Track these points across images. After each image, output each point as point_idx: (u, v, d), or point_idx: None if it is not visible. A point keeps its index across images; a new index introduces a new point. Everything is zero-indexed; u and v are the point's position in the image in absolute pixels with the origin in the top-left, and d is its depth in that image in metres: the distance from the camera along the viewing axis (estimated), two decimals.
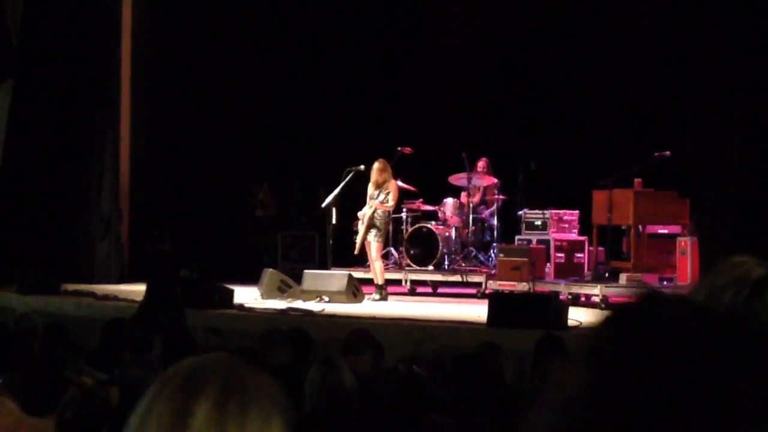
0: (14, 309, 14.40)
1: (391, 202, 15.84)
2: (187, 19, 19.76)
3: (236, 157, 20.19)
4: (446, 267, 17.23)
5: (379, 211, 15.76)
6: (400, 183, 16.32)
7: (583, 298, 15.27)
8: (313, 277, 15.66)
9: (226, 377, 2.01)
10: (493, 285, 16.09)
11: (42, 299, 15.16)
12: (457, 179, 17.69)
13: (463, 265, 17.19)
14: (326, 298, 15.03)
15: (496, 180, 17.84)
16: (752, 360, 1.23)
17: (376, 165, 15.81)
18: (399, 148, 16.78)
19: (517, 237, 17.31)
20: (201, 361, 2.06)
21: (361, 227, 15.85)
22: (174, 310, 10.82)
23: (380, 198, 15.71)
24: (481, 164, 17.80)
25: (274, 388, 2.05)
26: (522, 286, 15.50)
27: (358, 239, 15.88)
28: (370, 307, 14.97)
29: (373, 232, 15.76)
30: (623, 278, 15.10)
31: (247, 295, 15.21)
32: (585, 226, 16.77)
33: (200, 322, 11.32)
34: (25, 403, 6.23)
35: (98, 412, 5.52)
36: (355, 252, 16.11)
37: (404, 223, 17.69)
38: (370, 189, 15.85)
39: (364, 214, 15.84)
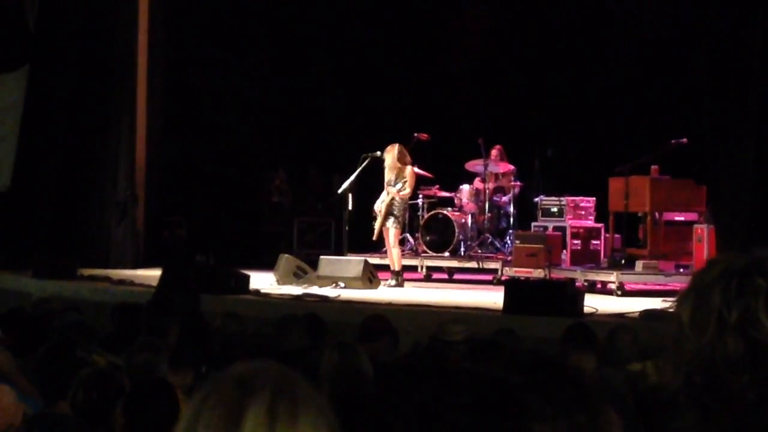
0: (31, 293, 14.43)
1: (408, 190, 15.83)
2: (203, 4, 19.75)
3: (252, 142, 20.18)
4: (462, 253, 17.22)
5: (397, 198, 15.75)
6: (416, 169, 16.30)
7: (599, 285, 15.25)
8: (328, 262, 15.66)
9: (276, 384, 2.03)
10: (509, 272, 16.08)
11: (58, 284, 15.20)
12: (474, 166, 17.66)
13: (479, 251, 17.19)
14: (342, 284, 15.04)
15: (512, 167, 17.82)
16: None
17: (395, 147, 15.77)
18: (416, 135, 16.75)
19: (533, 224, 17.28)
20: (251, 368, 2.08)
21: (379, 215, 15.84)
22: (189, 296, 10.85)
23: (397, 186, 15.70)
24: (495, 151, 17.76)
25: (322, 397, 2.08)
26: (538, 273, 15.48)
27: (377, 226, 15.88)
28: (385, 293, 14.98)
29: (391, 218, 15.77)
30: (639, 265, 15.08)
31: (263, 281, 15.24)
32: (601, 213, 16.74)
33: (216, 307, 11.31)
34: (42, 386, 6.26)
35: (111, 392, 5.53)
36: (374, 238, 16.12)
37: (420, 210, 17.69)
38: (387, 174, 15.83)
39: (380, 206, 15.82)
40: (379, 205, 15.86)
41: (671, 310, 1.95)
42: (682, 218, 15.99)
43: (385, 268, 16.09)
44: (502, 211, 17.96)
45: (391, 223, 15.77)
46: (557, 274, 15.49)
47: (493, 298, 13.39)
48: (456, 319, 9.12)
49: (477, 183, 17.75)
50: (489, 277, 16.64)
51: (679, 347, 1.96)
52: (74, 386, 5.55)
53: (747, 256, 1.99)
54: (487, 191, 17.50)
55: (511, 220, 17.76)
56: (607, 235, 16.31)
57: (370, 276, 15.37)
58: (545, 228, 16.89)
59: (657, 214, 15.73)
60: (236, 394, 2.00)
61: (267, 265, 16.28)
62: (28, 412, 5.65)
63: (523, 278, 15.39)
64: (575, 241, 16.51)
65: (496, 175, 17.98)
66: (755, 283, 1.92)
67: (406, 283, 15.95)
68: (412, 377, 5.58)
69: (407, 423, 1.80)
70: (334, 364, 6.17)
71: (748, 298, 1.91)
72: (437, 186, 17.88)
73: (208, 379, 2.07)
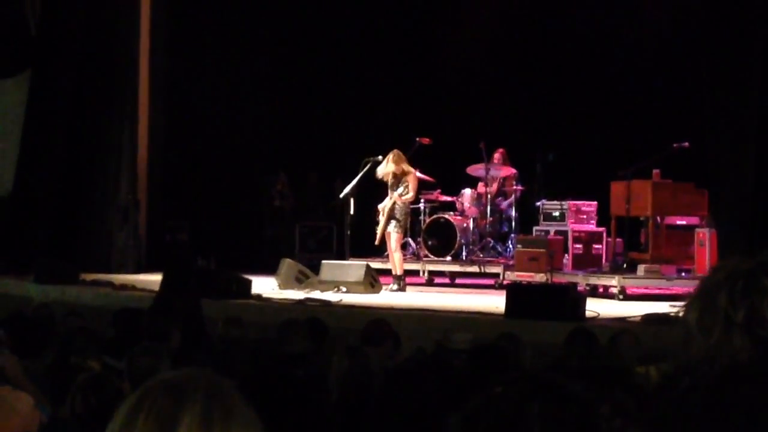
0: (32, 298, 14.43)
1: (410, 194, 15.82)
2: (205, 9, 19.76)
3: (254, 147, 20.20)
4: (464, 258, 17.22)
5: (399, 203, 15.74)
6: (418, 173, 16.30)
7: (601, 290, 15.25)
8: (330, 267, 15.66)
9: (208, 390, 2.03)
10: (511, 276, 16.07)
11: (60, 289, 15.21)
12: (475, 170, 17.66)
13: (481, 255, 17.17)
14: (344, 289, 15.03)
15: (514, 171, 17.80)
16: None
17: (392, 154, 15.78)
18: (417, 139, 16.75)
19: (535, 228, 17.27)
20: (181, 375, 2.08)
21: (382, 218, 15.85)
22: (190, 300, 10.83)
23: (399, 190, 15.69)
24: (497, 156, 17.76)
25: (247, 403, 2.08)
26: (540, 277, 15.47)
27: (379, 230, 15.88)
28: (387, 297, 14.97)
29: (393, 223, 15.77)
30: (641, 269, 15.07)
31: (264, 286, 15.24)
32: (603, 217, 16.73)
33: (218, 312, 11.31)
34: (45, 391, 6.24)
35: (109, 397, 5.51)
36: (376, 242, 16.11)
37: (422, 214, 17.68)
38: (389, 180, 15.83)
39: (384, 206, 15.84)
40: (386, 203, 15.84)
41: (679, 315, 1.95)
42: (683, 222, 15.98)
43: (387, 272, 16.08)
44: (503, 216, 17.95)
45: (393, 227, 15.77)
46: (559, 279, 15.48)
47: (495, 302, 13.39)
48: (461, 327, 9.10)
49: (479, 187, 17.74)
50: (491, 282, 16.63)
51: (686, 350, 1.96)
52: (71, 393, 5.53)
53: (752, 258, 2.00)
54: (489, 195, 17.50)
55: (513, 224, 17.75)
56: (609, 239, 16.30)
57: (372, 280, 15.37)
58: (547, 232, 16.89)
59: (659, 218, 15.72)
60: (169, 401, 2.00)
61: (269, 269, 16.28)
62: (43, 420, 5.64)
63: (524, 282, 15.38)
64: (577, 245, 16.51)
65: (498, 180, 17.97)
66: (761, 284, 1.94)
67: (407, 288, 15.94)
68: (415, 382, 5.57)
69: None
70: (344, 369, 6.15)
71: (754, 298, 1.93)
72: (439, 190, 17.86)
73: (139, 389, 2.05)
